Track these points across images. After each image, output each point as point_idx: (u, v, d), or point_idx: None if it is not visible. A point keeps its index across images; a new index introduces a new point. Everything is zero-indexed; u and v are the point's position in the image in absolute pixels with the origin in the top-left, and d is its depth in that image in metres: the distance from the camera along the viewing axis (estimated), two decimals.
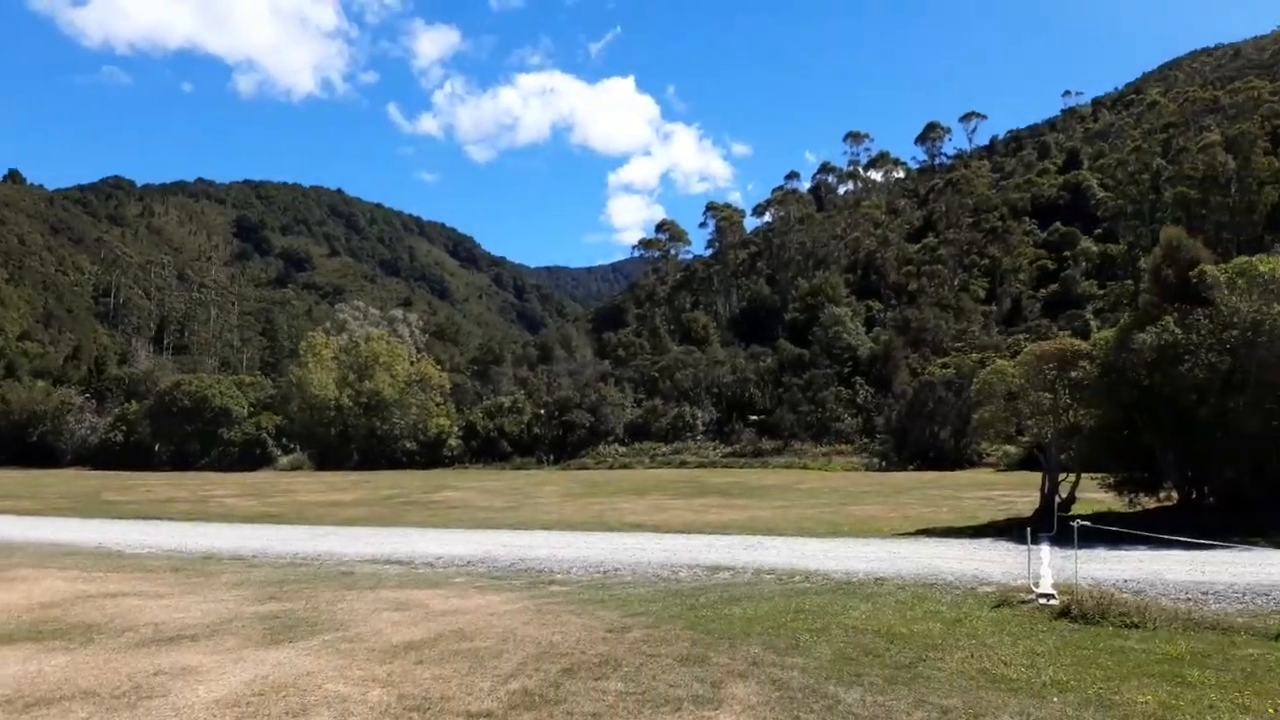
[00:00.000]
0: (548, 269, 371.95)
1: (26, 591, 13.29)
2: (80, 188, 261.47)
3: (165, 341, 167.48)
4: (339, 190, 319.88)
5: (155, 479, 54.84)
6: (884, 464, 53.07)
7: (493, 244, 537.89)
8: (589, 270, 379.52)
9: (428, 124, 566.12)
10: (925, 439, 52.78)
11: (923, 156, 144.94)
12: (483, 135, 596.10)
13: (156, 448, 74.43)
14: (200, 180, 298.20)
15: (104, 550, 19.14)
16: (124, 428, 78.30)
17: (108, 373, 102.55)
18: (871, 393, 66.29)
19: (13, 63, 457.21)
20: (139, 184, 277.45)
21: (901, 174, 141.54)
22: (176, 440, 73.71)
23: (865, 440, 59.92)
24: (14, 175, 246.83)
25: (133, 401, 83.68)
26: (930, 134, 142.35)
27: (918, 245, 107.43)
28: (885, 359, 71.00)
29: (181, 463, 71.41)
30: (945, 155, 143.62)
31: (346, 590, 13.26)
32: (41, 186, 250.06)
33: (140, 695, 7.66)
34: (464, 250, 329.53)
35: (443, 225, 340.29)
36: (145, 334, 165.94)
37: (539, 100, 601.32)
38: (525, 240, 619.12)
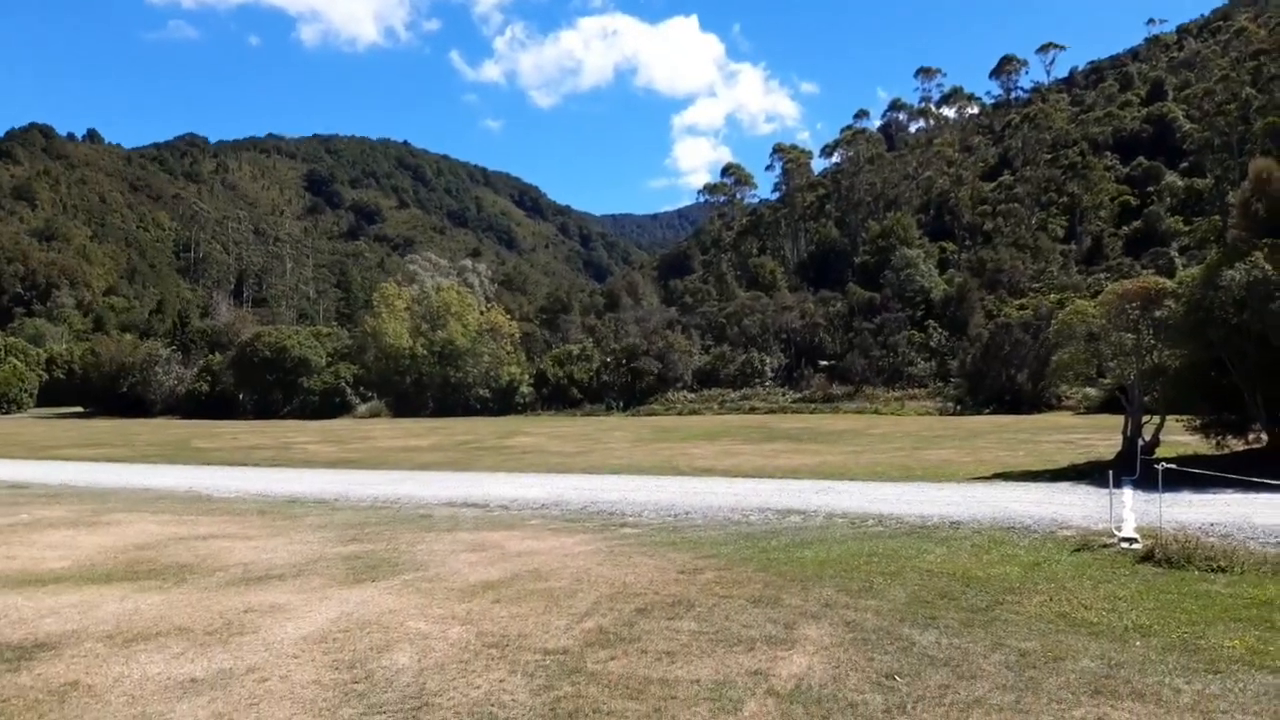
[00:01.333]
0: (613, 217, 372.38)
1: (121, 534, 13.91)
2: (156, 145, 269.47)
3: (244, 294, 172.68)
4: (405, 142, 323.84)
5: (240, 427, 56.57)
6: (958, 408, 52.15)
7: (558, 192, 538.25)
8: (654, 217, 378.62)
9: (490, 71, 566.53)
10: (1001, 382, 51.67)
11: (998, 91, 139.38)
12: (545, 80, 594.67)
13: (240, 397, 76.71)
14: (271, 135, 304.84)
15: (194, 495, 19.94)
16: (209, 378, 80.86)
17: (191, 325, 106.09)
18: (945, 336, 65.06)
19: (83, 21, 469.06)
20: (212, 140, 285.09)
21: (976, 110, 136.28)
22: (259, 390, 75.83)
23: (939, 384, 58.94)
24: (93, 135, 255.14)
25: (216, 353, 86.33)
26: (1005, 67, 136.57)
27: (993, 184, 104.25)
28: (959, 301, 69.45)
29: (265, 411, 73.57)
30: (1022, 89, 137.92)
31: (425, 532, 13.60)
32: (119, 145, 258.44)
33: (232, 631, 7.99)
34: (529, 200, 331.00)
35: (508, 175, 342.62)
36: (225, 287, 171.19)
37: (601, 43, 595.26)
38: (590, 188, 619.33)
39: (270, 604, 8.97)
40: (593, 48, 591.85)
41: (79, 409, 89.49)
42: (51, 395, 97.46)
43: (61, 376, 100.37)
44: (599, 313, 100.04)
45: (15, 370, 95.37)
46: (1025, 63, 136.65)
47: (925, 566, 10.14)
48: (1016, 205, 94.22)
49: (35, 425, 65.71)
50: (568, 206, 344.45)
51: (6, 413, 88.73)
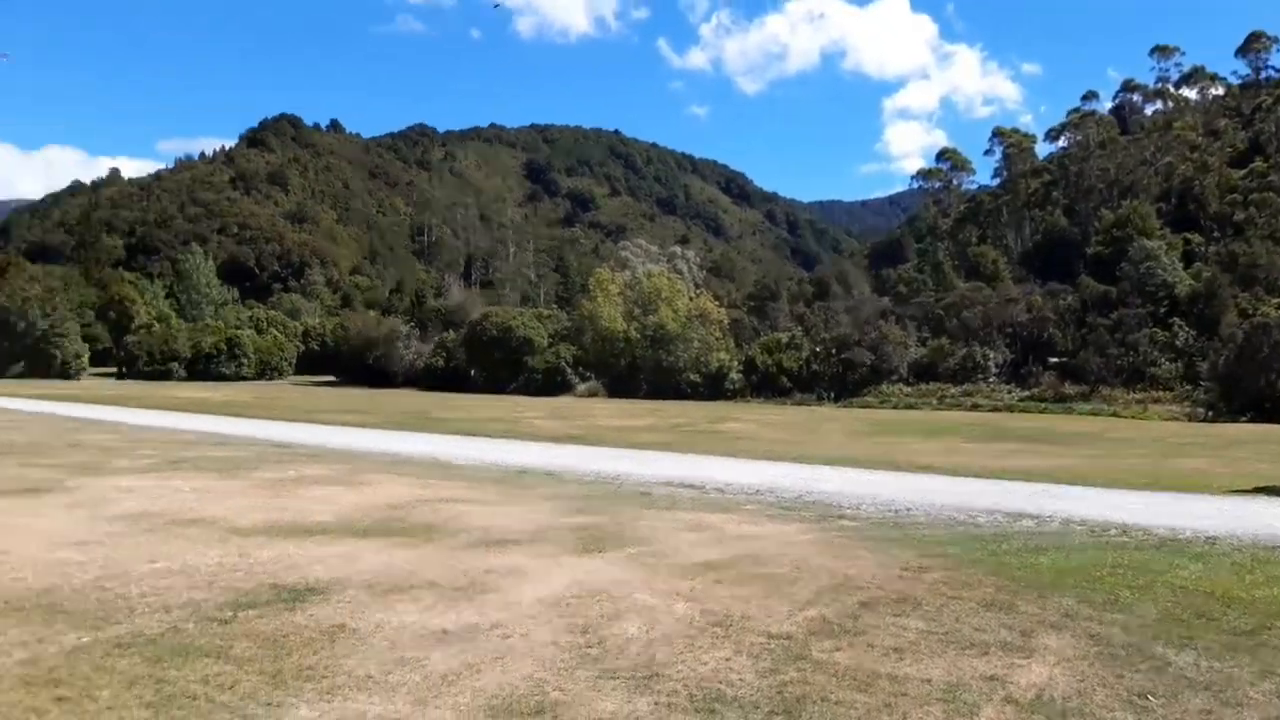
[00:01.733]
0: (820, 203, 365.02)
1: (374, 493, 15.17)
2: (391, 135, 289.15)
3: (473, 276, 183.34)
4: (616, 131, 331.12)
5: (473, 400, 59.91)
6: (1210, 414, 47.59)
7: (764, 179, 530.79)
8: (864, 203, 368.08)
9: (696, 58, 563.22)
10: (1260, 388, 46.68)
11: (1245, 70, 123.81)
12: (751, 66, 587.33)
13: (472, 373, 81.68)
14: (493, 125, 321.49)
15: (435, 461, 21.46)
16: (444, 353, 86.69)
17: (427, 304, 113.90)
18: (1193, 335, 59.48)
19: (321, 16, 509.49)
20: (440, 130, 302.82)
21: (1220, 91, 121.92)
22: (488, 366, 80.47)
23: (1186, 388, 54.04)
24: (335, 125, 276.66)
25: (450, 330, 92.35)
26: (1253, 45, 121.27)
27: (1243, 171, 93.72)
28: (1209, 298, 63.27)
29: (494, 387, 77.82)
30: (1273, 69, 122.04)
31: (645, 509, 13.97)
32: (358, 135, 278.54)
33: (476, 589, 8.56)
34: (736, 187, 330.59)
35: (714, 162, 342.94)
36: (456, 269, 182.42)
37: (808, 26, 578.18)
38: (797, 174, 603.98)
39: (509, 566, 9.54)
40: (799, 31, 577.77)
41: (331, 378, 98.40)
42: (306, 364, 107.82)
43: (315, 348, 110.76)
44: (808, 301, 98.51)
45: (276, 340, 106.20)
46: (1276, 39, 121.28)
47: (1178, 582, 9.36)
48: (1272, 195, 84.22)
49: (294, 391, 72.89)
50: (774, 193, 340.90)
51: (270, 379, 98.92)
